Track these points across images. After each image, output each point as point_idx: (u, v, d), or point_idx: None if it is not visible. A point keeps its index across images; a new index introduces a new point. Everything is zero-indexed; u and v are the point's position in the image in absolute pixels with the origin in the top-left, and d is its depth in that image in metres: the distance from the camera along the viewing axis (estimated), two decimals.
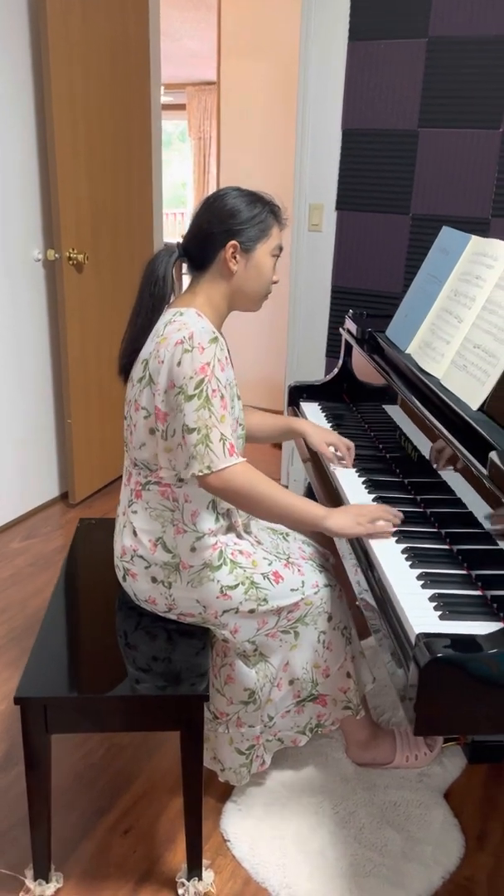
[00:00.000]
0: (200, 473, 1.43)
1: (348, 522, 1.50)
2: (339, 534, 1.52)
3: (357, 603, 1.78)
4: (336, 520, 1.50)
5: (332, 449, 1.89)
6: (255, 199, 1.56)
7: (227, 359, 1.51)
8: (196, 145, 7.93)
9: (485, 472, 1.28)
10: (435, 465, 1.64)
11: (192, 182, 8.25)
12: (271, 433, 1.92)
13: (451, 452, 1.51)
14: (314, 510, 1.52)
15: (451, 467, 1.53)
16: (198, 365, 1.42)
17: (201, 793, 1.49)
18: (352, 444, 1.89)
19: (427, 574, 1.35)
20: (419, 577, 1.34)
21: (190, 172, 8.25)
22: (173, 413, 1.46)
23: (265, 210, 1.56)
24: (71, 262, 2.98)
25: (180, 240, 1.61)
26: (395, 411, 1.98)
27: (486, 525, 1.37)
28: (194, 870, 1.54)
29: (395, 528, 1.53)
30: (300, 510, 1.50)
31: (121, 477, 3.66)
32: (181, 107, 7.88)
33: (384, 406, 2.07)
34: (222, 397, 1.45)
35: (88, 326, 3.17)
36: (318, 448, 1.88)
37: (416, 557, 1.41)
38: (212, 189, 8.03)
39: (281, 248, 1.61)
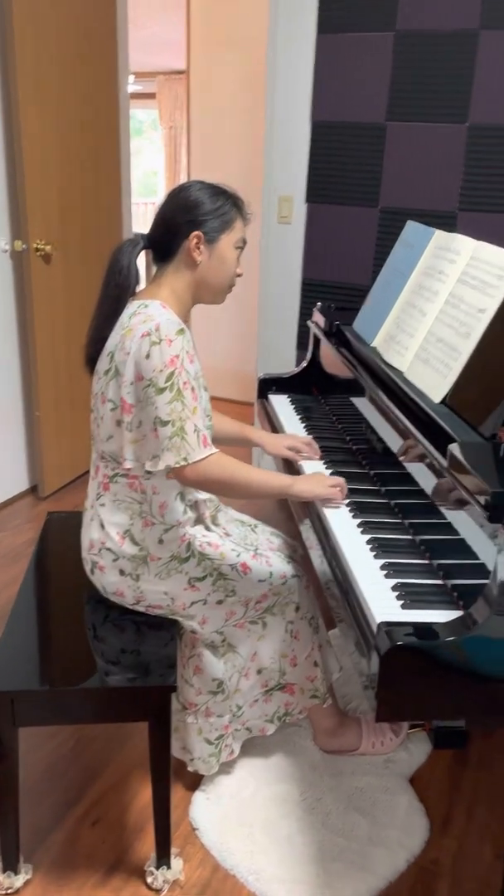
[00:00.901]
0: (177, 465, 1.45)
1: (311, 486, 1.65)
2: (306, 496, 1.65)
3: (324, 593, 1.81)
4: (301, 485, 1.64)
5: (292, 453, 1.90)
6: (218, 191, 1.58)
7: (194, 350, 1.52)
8: (167, 134, 7.87)
9: (445, 463, 1.30)
10: (402, 458, 1.66)
11: (163, 171, 8.19)
12: (228, 437, 1.91)
13: (412, 444, 1.53)
14: (282, 480, 1.64)
15: (413, 459, 1.56)
16: (167, 358, 1.42)
17: (169, 782, 1.50)
18: (310, 439, 1.92)
19: (390, 564, 1.37)
20: (383, 567, 1.37)
21: (162, 161, 8.19)
22: (141, 405, 1.46)
23: (228, 202, 1.58)
24: (39, 254, 2.95)
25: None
26: (362, 404, 2.00)
27: (448, 515, 1.40)
28: (163, 858, 1.55)
29: (355, 514, 1.60)
30: (271, 484, 1.62)
31: (88, 472, 3.64)
32: (152, 95, 7.81)
33: (352, 398, 2.09)
34: (193, 389, 1.46)
35: (57, 318, 3.15)
36: (277, 454, 1.91)
37: (380, 548, 1.43)
38: (182, 178, 8.00)
39: (245, 242, 1.62)
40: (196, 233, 1.53)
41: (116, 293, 1.55)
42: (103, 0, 3.14)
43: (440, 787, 1.85)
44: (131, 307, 1.53)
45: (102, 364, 1.55)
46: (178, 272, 1.58)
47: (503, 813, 1.77)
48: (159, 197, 8.50)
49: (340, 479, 1.67)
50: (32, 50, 2.76)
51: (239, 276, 1.64)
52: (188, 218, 1.54)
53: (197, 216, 1.54)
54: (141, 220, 3.88)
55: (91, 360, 1.64)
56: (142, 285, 1.60)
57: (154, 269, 1.63)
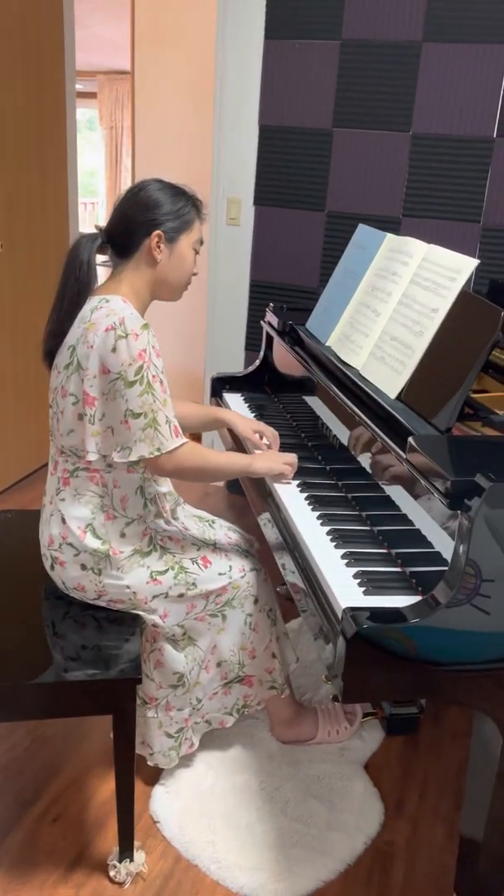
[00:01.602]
0: (151, 455, 1.48)
1: (268, 463, 1.73)
2: (265, 472, 1.72)
3: (277, 589, 1.85)
4: (260, 462, 1.71)
5: (257, 436, 1.94)
6: (178, 192, 1.61)
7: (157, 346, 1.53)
8: (108, 135, 7.82)
9: (404, 455, 1.36)
10: (353, 452, 1.71)
11: (103, 172, 8.13)
12: (198, 422, 1.95)
13: (368, 439, 1.59)
14: (244, 459, 1.70)
15: (368, 453, 1.61)
16: (135, 351, 1.44)
17: (133, 774, 1.51)
18: (276, 432, 1.95)
19: (351, 553, 1.42)
20: (343, 557, 1.41)
21: (102, 162, 8.13)
22: (105, 398, 1.48)
23: (188, 204, 1.61)
24: None
25: (95, 227, 1.62)
26: (314, 402, 2.05)
27: (402, 507, 1.46)
28: (126, 851, 1.56)
29: (314, 507, 1.65)
30: (236, 465, 1.68)
31: (37, 470, 3.59)
32: (92, 95, 7.75)
33: (304, 397, 2.14)
34: (161, 382, 1.48)
35: (2, 316, 3.10)
36: (246, 435, 1.92)
37: (340, 538, 1.48)
38: (125, 179, 7.96)
39: (202, 242, 1.66)
40: (157, 232, 1.55)
41: (77, 289, 1.55)
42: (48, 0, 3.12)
43: (393, 772, 1.91)
44: (92, 302, 1.54)
45: (62, 358, 1.55)
46: (137, 269, 1.59)
47: (453, 795, 1.84)
48: (100, 197, 8.43)
49: (293, 456, 1.77)
50: None
51: (195, 275, 1.68)
52: (149, 217, 1.56)
53: (158, 216, 1.56)
54: (82, 219, 3.85)
55: (49, 355, 1.63)
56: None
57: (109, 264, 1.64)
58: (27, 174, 3.13)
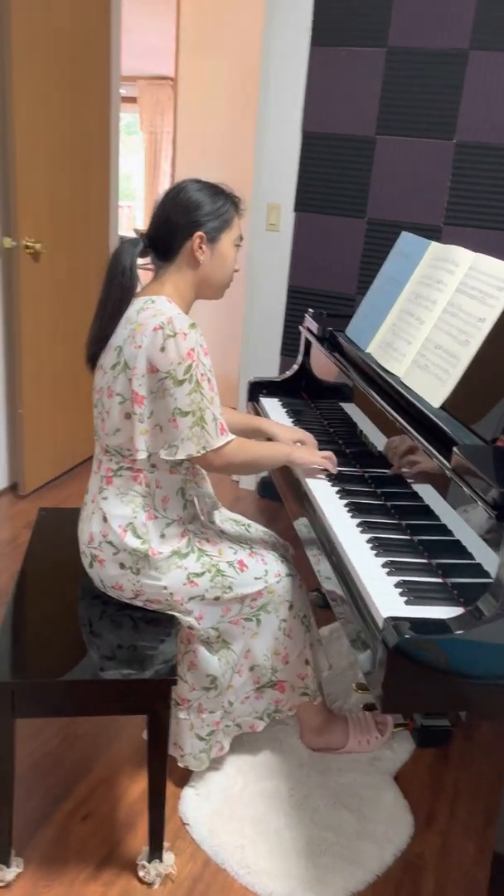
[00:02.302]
0: (197, 454, 1.51)
1: (307, 454, 1.79)
2: (304, 462, 1.78)
3: (309, 597, 1.84)
4: (299, 452, 1.78)
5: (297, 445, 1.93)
6: (217, 191, 1.62)
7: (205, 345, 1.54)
8: (147, 139, 7.89)
9: (449, 465, 1.35)
10: (392, 460, 1.71)
11: (141, 176, 8.21)
12: (237, 431, 1.93)
13: (409, 447, 1.58)
14: (284, 449, 1.77)
15: (409, 461, 1.60)
16: (184, 350, 1.45)
17: (165, 775, 1.52)
18: (315, 441, 1.93)
19: (391, 562, 1.41)
20: (384, 565, 1.40)
21: (140, 166, 8.21)
22: (154, 396, 1.49)
23: (227, 202, 1.62)
24: (28, 251, 2.95)
25: (133, 231, 1.63)
26: (351, 408, 2.05)
27: (442, 517, 1.45)
28: (155, 852, 1.56)
29: (353, 514, 1.64)
30: (279, 454, 1.75)
31: (72, 468, 3.62)
32: (132, 100, 7.82)
33: (341, 403, 2.14)
34: (209, 380, 1.50)
35: (43, 316, 3.14)
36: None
37: (380, 546, 1.47)
38: (164, 183, 8.03)
39: (241, 238, 1.68)
40: (199, 233, 1.57)
41: (119, 294, 1.56)
42: (98, 6, 3.16)
43: (423, 784, 1.89)
44: (137, 303, 1.55)
45: (108, 359, 1.57)
46: (180, 271, 1.61)
47: (484, 809, 1.82)
48: (137, 201, 8.50)
49: (329, 452, 1.82)
50: (27, 52, 2.76)
51: (236, 271, 1.69)
52: (190, 219, 1.57)
53: (199, 217, 1.57)
54: (122, 223, 3.89)
55: (92, 359, 1.65)
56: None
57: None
58: (70, 177, 3.17)
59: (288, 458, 1.75)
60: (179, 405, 1.47)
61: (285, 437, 1.89)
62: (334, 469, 1.81)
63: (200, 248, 1.58)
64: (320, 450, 1.89)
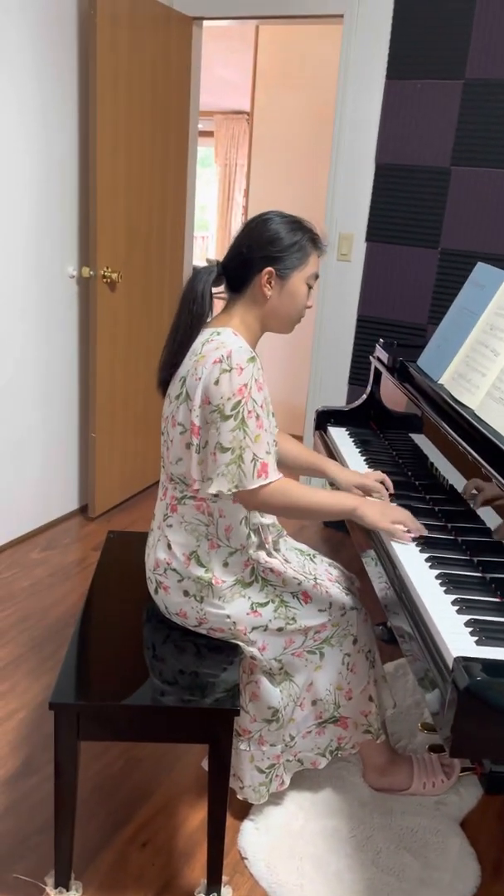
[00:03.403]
0: (228, 492, 1.48)
1: (376, 515, 1.60)
2: (366, 522, 1.60)
3: (375, 631, 1.80)
4: (366, 509, 1.60)
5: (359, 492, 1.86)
6: (296, 226, 1.59)
7: (262, 378, 1.54)
8: (221, 172, 8.06)
9: None
10: (465, 495, 1.66)
11: (215, 207, 8.38)
12: (297, 464, 1.90)
13: (483, 481, 1.54)
14: (348, 502, 1.61)
15: (482, 496, 1.56)
16: (236, 386, 1.46)
17: (226, 806, 1.50)
18: (383, 477, 1.86)
19: (462, 600, 1.37)
20: (454, 603, 1.37)
21: (214, 197, 8.38)
22: (206, 427, 1.50)
23: (305, 238, 1.58)
24: (105, 281, 3.04)
25: (206, 260, 1.64)
26: (421, 440, 2.01)
27: None
28: (213, 885, 1.54)
29: (416, 541, 1.59)
30: (335, 505, 1.61)
31: (140, 492, 3.68)
32: (209, 133, 8.03)
33: (411, 434, 2.10)
34: (258, 417, 1.48)
35: (117, 343, 3.23)
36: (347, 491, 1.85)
37: (450, 583, 1.43)
38: (237, 215, 8.17)
39: (317, 276, 1.64)
40: (268, 269, 1.55)
41: (190, 320, 1.58)
42: (179, 45, 3.27)
43: (491, 832, 1.81)
44: (204, 335, 1.56)
45: (174, 389, 1.59)
46: (248, 304, 1.60)
47: None
48: (211, 231, 8.67)
49: (406, 514, 1.64)
50: (111, 88, 2.87)
51: (308, 308, 1.66)
52: (263, 253, 1.55)
53: (272, 252, 1.55)
54: (196, 253, 3.96)
55: (163, 384, 1.67)
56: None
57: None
58: (148, 208, 3.26)
59: (353, 514, 1.60)
60: (221, 440, 1.46)
61: (347, 481, 1.83)
62: (410, 536, 1.61)
63: (269, 283, 1.56)
64: (391, 483, 1.85)
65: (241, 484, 1.48)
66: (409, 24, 2.87)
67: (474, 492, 1.62)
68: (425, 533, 1.62)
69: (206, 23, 3.40)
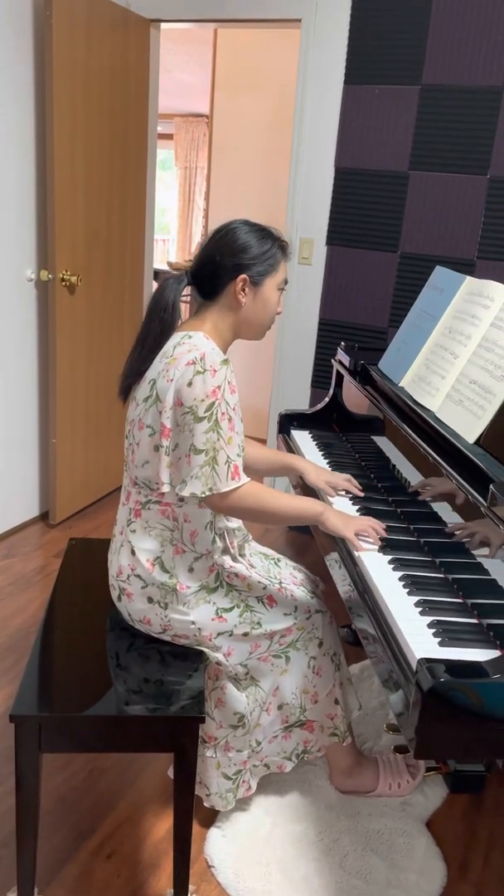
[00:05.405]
0: (202, 494, 1.47)
1: (339, 523, 1.62)
2: (328, 528, 1.62)
3: (339, 633, 1.80)
4: (330, 517, 1.62)
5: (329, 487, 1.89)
6: (265, 234, 1.60)
7: (235, 381, 1.53)
8: (182, 175, 8.05)
9: (485, 503, 1.32)
10: (426, 497, 1.68)
11: (175, 210, 8.36)
12: (268, 467, 1.91)
13: (442, 483, 1.55)
14: (314, 507, 1.62)
15: (442, 497, 1.57)
16: (209, 388, 1.45)
17: (192, 816, 1.49)
18: (349, 477, 1.90)
19: (425, 601, 1.38)
20: (417, 604, 1.37)
21: (174, 200, 8.37)
22: (179, 429, 1.49)
23: (275, 246, 1.60)
24: (64, 284, 3.00)
25: (167, 264, 1.63)
26: (383, 442, 2.03)
27: (476, 555, 1.41)
28: (181, 894, 1.53)
29: (385, 550, 1.59)
30: (303, 511, 1.62)
31: (102, 498, 3.64)
32: (168, 136, 8.01)
33: (373, 437, 2.12)
34: (230, 419, 1.48)
35: (77, 347, 3.19)
36: (317, 486, 1.88)
37: (413, 585, 1.44)
38: (197, 218, 8.16)
39: (286, 282, 1.66)
40: (242, 276, 1.56)
41: (160, 329, 1.56)
42: (138, 47, 3.25)
43: (456, 831, 1.83)
44: (175, 338, 1.55)
45: (142, 392, 1.57)
46: (221, 311, 1.60)
47: None
48: (172, 234, 8.64)
49: (369, 524, 1.64)
50: (69, 89, 2.84)
51: (279, 314, 1.68)
52: (235, 261, 1.55)
53: (243, 260, 1.56)
54: (156, 256, 3.94)
55: (126, 391, 1.65)
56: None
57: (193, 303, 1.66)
58: (107, 211, 3.23)
59: (318, 518, 1.61)
60: (195, 442, 1.45)
61: (316, 476, 1.86)
62: (372, 547, 1.61)
63: (243, 290, 1.57)
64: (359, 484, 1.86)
65: (214, 486, 1.46)
66: (367, 29, 2.90)
67: (427, 488, 1.64)
68: (384, 532, 1.64)
69: (163, 25, 3.39)
